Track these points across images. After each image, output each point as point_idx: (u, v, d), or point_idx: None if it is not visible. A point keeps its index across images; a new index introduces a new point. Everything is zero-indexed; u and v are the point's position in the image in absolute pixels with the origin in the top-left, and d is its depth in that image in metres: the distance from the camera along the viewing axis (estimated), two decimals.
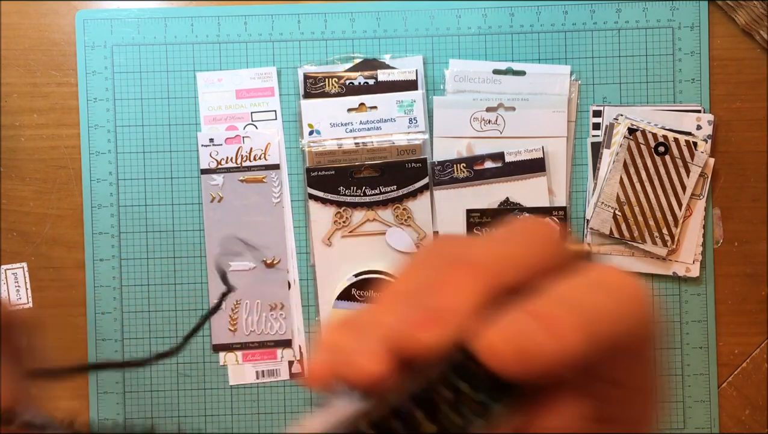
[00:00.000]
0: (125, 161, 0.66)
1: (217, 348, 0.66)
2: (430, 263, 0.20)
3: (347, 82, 0.65)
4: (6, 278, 0.66)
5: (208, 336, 0.66)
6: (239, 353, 0.66)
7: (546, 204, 0.65)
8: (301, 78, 0.65)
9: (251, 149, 0.65)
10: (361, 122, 0.65)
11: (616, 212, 0.64)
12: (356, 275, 0.63)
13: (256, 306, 0.66)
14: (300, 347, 0.66)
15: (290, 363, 0.66)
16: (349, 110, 0.65)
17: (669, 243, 0.64)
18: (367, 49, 0.66)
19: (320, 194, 0.65)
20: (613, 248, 0.65)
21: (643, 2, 0.65)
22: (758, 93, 0.66)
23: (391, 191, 0.65)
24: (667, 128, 0.64)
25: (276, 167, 0.65)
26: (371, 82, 0.65)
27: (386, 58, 0.65)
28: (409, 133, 0.65)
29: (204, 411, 0.66)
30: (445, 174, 0.65)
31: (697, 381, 0.66)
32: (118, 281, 0.66)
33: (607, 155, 0.65)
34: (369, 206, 0.65)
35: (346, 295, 0.62)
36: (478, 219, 0.65)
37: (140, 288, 0.66)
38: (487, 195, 0.65)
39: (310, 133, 0.65)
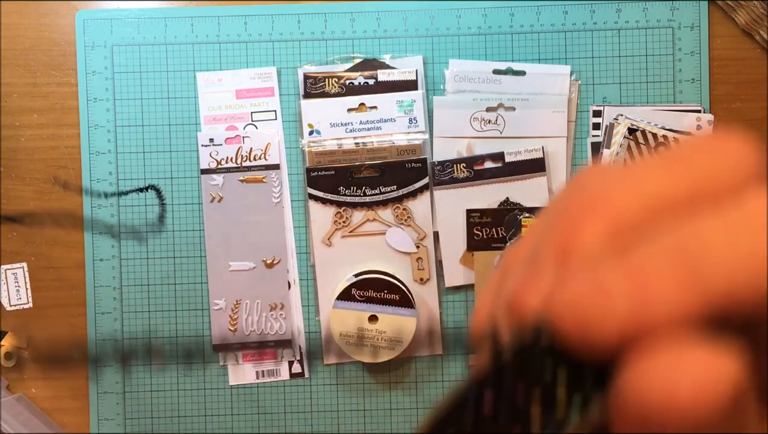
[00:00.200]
0: (125, 161, 0.66)
1: (217, 348, 0.66)
2: (559, 207, 0.16)
3: (347, 82, 0.65)
4: (6, 278, 0.66)
5: (209, 336, 0.66)
6: (239, 353, 0.66)
7: (546, 204, 0.65)
8: (301, 78, 0.65)
9: (251, 149, 0.65)
10: (361, 122, 0.65)
11: None
12: (356, 275, 0.63)
13: (256, 306, 0.66)
14: (300, 347, 0.66)
15: (290, 363, 0.66)
16: (349, 110, 0.65)
17: None
18: (367, 49, 0.66)
19: (320, 194, 0.65)
20: None
21: (643, 2, 0.65)
22: (758, 93, 0.66)
23: (391, 191, 0.65)
24: (667, 127, 0.64)
25: (276, 167, 0.65)
26: (371, 82, 0.65)
27: (386, 58, 0.65)
28: (409, 133, 0.65)
29: (204, 411, 0.66)
30: (445, 174, 0.65)
31: None
32: (118, 281, 0.66)
33: (607, 155, 0.65)
34: (369, 206, 0.65)
35: (346, 295, 0.62)
36: (478, 219, 0.65)
37: (140, 288, 0.66)
38: (487, 195, 0.65)
39: (310, 133, 0.65)
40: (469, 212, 0.65)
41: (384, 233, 0.65)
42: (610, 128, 0.65)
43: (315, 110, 0.65)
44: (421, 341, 0.66)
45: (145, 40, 0.66)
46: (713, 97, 0.66)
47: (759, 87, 0.66)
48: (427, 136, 0.65)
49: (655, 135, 0.63)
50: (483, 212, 0.65)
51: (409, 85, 0.65)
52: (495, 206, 0.65)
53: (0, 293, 0.66)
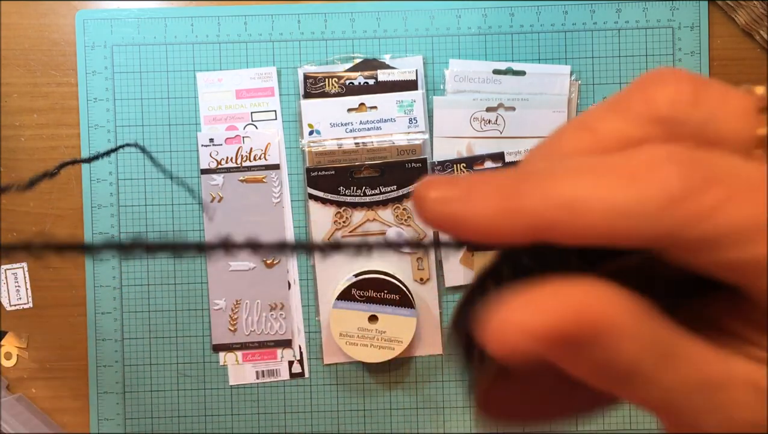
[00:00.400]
0: (125, 160, 0.66)
1: (217, 348, 0.66)
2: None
3: (347, 82, 0.65)
4: (6, 278, 0.66)
5: (208, 336, 0.66)
6: (239, 353, 0.66)
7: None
8: (301, 78, 0.65)
9: (251, 149, 0.65)
10: (361, 122, 0.65)
11: None
12: (356, 275, 0.63)
13: (256, 306, 0.66)
14: (300, 347, 0.66)
15: (290, 363, 0.66)
16: (349, 110, 0.65)
17: None
18: (367, 49, 0.66)
19: (320, 194, 0.65)
20: None
21: (643, 2, 0.65)
22: None
23: (391, 191, 0.65)
24: None
25: (276, 167, 0.65)
26: (371, 82, 0.65)
27: (386, 58, 0.65)
28: (409, 133, 0.65)
29: (204, 411, 0.66)
30: (445, 174, 0.65)
31: None
32: (118, 281, 0.66)
33: None
34: (369, 206, 0.65)
35: (346, 295, 0.62)
36: None
37: (140, 288, 0.66)
38: None
39: (310, 133, 0.65)
40: None
41: (384, 233, 0.65)
42: None
43: (315, 110, 0.65)
44: (420, 341, 0.66)
45: (145, 40, 0.66)
46: None
47: None
48: (427, 136, 0.65)
49: None
50: None
51: (409, 86, 0.65)
52: None
53: (0, 293, 0.66)
